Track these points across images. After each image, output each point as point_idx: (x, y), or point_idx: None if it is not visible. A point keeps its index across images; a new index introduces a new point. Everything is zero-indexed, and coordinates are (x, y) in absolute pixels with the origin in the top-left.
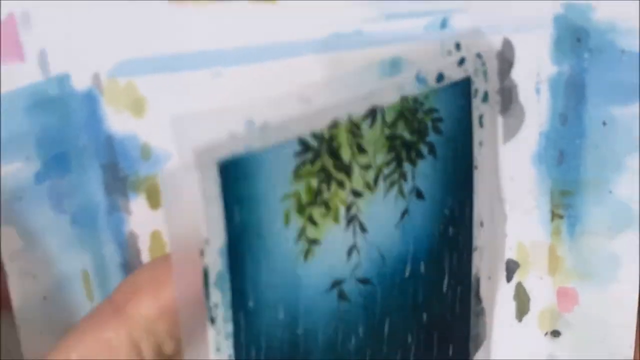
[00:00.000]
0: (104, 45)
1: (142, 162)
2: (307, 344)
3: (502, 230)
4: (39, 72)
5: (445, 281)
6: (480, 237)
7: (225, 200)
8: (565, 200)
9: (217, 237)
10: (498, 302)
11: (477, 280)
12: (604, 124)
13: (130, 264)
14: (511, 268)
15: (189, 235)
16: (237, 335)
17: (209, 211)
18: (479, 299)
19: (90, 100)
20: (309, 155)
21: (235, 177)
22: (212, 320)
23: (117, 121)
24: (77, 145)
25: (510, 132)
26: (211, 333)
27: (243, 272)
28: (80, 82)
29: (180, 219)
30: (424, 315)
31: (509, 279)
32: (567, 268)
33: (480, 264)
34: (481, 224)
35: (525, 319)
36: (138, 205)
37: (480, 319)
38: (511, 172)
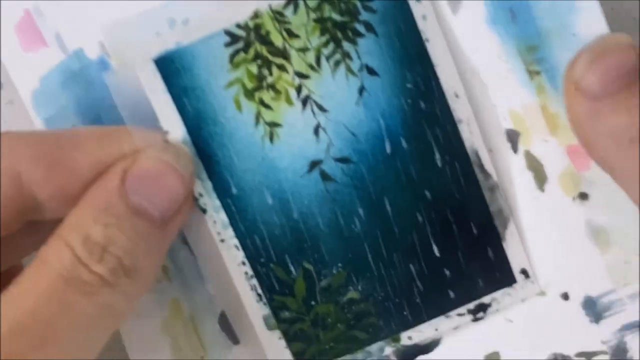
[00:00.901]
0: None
1: None
2: (309, 229)
3: (485, 100)
4: (60, 52)
5: (437, 156)
6: (461, 109)
7: (172, 93)
8: (535, 55)
9: (177, 127)
10: (514, 174)
11: (476, 153)
12: None
13: None
14: (512, 138)
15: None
16: (234, 225)
17: (159, 104)
18: (486, 173)
19: (103, 65)
20: (240, 45)
21: (174, 71)
22: (204, 211)
23: None
24: (107, 106)
25: (456, 4)
26: (210, 225)
27: (214, 158)
28: (92, 52)
29: (137, 117)
30: (427, 193)
31: (514, 149)
32: (565, 123)
33: (472, 136)
34: (456, 95)
35: (547, 187)
36: None
37: (496, 194)
38: (473, 43)
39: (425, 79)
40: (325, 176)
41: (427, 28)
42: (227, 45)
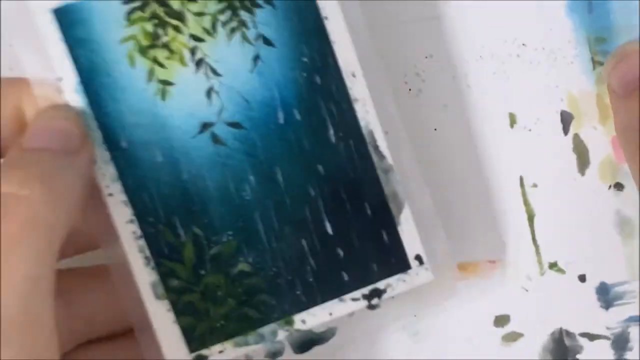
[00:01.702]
0: None
1: None
2: (199, 191)
3: (382, 84)
4: None
5: (331, 132)
6: (357, 89)
7: (68, 43)
8: (602, 47)
9: (70, 76)
10: (405, 160)
11: (371, 134)
12: None
13: None
14: (566, 119)
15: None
16: (123, 180)
17: (54, 52)
18: (380, 154)
19: None
20: (138, 3)
21: (71, 22)
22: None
23: None
24: None
25: None
26: (99, 177)
27: (104, 110)
28: None
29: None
30: (319, 167)
31: (565, 131)
32: None
33: (367, 116)
34: (353, 75)
35: (588, 171)
36: None
37: (390, 176)
38: (549, 24)
39: (321, 55)
40: (216, 139)
41: (326, 6)
42: (125, 2)
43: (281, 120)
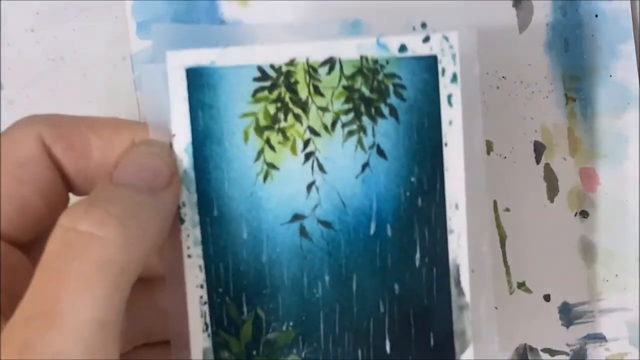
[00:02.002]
0: None
1: None
2: (273, 277)
3: (481, 222)
4: None
5: (418, 256)
6: (456, 221)
7: (191, 103)
8: (575, 84)
9: (184, 135)
10: (483, 302)
11: (457, 268)
12: (596, 16)
13: None
14: (539, 149)
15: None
16: (205, 246)
17: (176, 108)
18: (461, 290)
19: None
20: (267, 83)
21: (200, 84)
22: (182, 221)
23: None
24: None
25: (524, 23)
26: (183, 237)
27: (206, 175)
28: None
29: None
30: (396, 286)
31: (538, 160)
32: (585, 148)
33: (459, 250)
34: (456, 207)
35: (556, 199)
36: None
37: (464, 314)
38: (529, 60)
39: (430, 180)
40: (303, 232)
41: (450, 132)
42: (255, 79)
43: (372, 231)
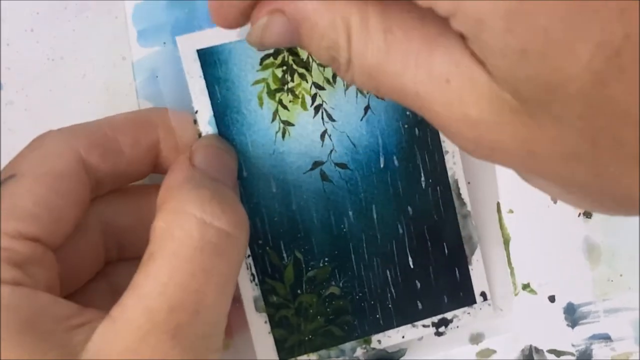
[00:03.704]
0: None
1: None
2: (304, 221)
3: None
4: None
5: (423, 179)
6: (448, 142)
7: (207, 79)
8: None
9: (205, 110)
10: (482, 207)
11: (456, 183)
12: None
13: None
14: None
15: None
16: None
17: (195, 87)
18: (462, 201)
19: None
20: (271, 51)
21: (212, 62)
22: None
23: None
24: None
25: None
26: None
27: (232, 142)
28: None
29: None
30: (409, 208)
31: None
32: None
33: (455, 167)
34: None
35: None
36: None
37: (468, 221)
38: None
39: None
40: (324, 176)
41: None
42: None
43: (382, 165)
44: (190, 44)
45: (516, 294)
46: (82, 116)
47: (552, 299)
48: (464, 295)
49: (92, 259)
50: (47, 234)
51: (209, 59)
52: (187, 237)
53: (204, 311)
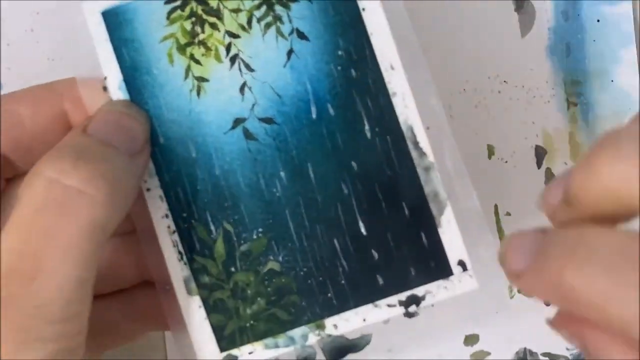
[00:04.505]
0: None
1: None
2: (230, 187)
3: (424, 77)
4: None
5: (367, 127)
6: (395, 82)
7: (113, 43)
8: (576, 89)
9: (115, 74)
10: (448, 157)
11: (410, 129)
12: (598, 21)
13: None
14: (540, 154)
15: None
16: (160, 175)
17: (102, 52)
18: (421, 151)
19: None
20: (178, 2)
21: (117, 23)
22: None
23: None
24: None
25: (526, 28)
26: None
27: (144, 107)
28: None
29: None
30: (353, 164)
31: (539, 164)
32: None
33: (407, 111)
34: (391, 67)
35: None
36: None
37: (431, 175)
38: (531, 64)
39: (358, 48)
40: (248, 134)
41: None
42: (166, 2)
43: (314, 115)
44: (94, 6)
45: (512, 297)
46: None
47: (547, 302)
48: (435, 266)
49: None
50: None
51: (114, 20)
52: (30, 197)
53: (41, 277)
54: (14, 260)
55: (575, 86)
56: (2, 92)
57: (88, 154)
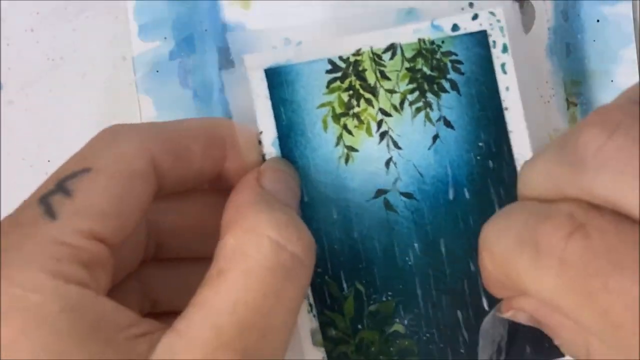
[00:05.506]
0: None
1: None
2: (366, 251)
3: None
4: None
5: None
6: None
7: (272, 100)
8: (576, 89)
9: (270, 131)
10: None
11: None
12: (598, 21)
13: None
14: None
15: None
16: None
17: (260, 108)
18: None
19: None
20: (338, 74)
21: (278, 83)
22: None
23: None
24: (201, 30)
25: (526, 28)
26: None
27: (294, 165)
28: None
29: (241, 114)
30: None
31: None
32: None
33: None
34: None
35: None
36: None
37: None
38: (530, 63)
39: (497, 142)
40: (388, 205)
41: (509, 97)
42: (328, 72)
43: (451, 197)
44: (257, 63)
45: None
46: (82, 116)
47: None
48: (549, 346)
49: (133, 259)
50: (113, 235)
51: (276, 79)
52: (261, 257)
53: (272, 335)
54: (251, 315)
55: (575, 86)
56: (2, 92)
57: (296, 221)
